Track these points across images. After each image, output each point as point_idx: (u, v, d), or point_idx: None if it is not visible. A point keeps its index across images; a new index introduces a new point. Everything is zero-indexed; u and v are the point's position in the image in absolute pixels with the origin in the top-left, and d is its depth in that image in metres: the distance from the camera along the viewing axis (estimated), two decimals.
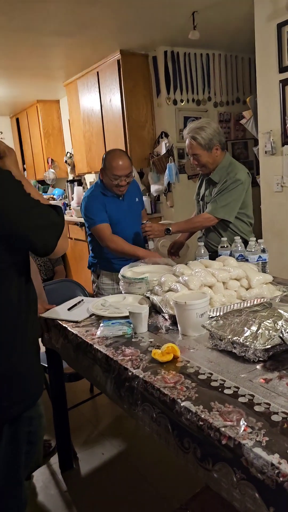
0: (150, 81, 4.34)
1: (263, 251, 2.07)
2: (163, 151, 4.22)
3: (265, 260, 2.06)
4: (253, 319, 1.33)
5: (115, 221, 2.44)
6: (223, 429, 0.95)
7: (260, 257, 2.04)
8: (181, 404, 1.07)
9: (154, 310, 1.76)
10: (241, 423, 0.96)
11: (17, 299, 1.23)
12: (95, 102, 4.69)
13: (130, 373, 1.27)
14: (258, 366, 1.22)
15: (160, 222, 2.40)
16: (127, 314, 1.67)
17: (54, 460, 2.16)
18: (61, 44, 3.82)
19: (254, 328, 1.29)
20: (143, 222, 2.45)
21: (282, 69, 3.01)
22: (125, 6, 3.08)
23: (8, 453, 1.26)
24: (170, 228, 2.37)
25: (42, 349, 2.05)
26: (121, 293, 2.03)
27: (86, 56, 4.25)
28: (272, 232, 3.34)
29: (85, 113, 4.94)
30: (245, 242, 2.18)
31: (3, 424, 1.24)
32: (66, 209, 5.46)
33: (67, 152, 6.05)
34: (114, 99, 4.37)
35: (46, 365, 2.08)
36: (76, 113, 5.25)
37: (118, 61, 4.17)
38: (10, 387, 1.22)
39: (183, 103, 4.32)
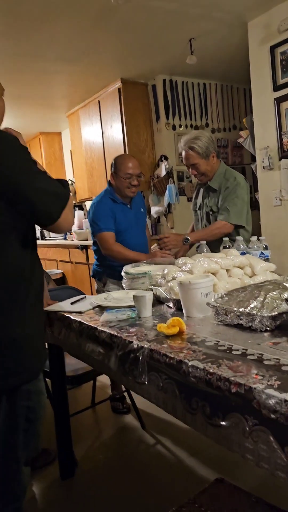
0: (150, 108, 4.51)
1: (265, 248, 2.08)
2: (163, 173, 4.32)
3: (267, 256, 2.06)
4: (259, 292, 1.32)
5: (123, 229, 2.44)
6: (232, 378, 0.92)
7: (262, 253, 2.05)
8: (189, 364, 1.04)
9: (158, 301, 1.75)
10: (252, 372, 0.94)
11: (18, 265, 1.22)
12: (97, 130, 4.85)
13: (135, 345, 1.25)
14: (265, 334, 1.20)
15: (174, 233, 2.39)
16: (130, 303, 1.66)
17: (55, 468, 2.06)
18: (65, 71, 4.00)
19: (260, 299, 1.28)
20: (160, 238, 2.43)
21: (276, 88, 3.15)
22: (125, 31, 3.25)
23: (6, 428, 1.21)
24: (189, 238, 2.35)
25: None
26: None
27: (88, 84, 4.44)
28: (272, 246, 3.33)
29: (87, 141, 5.09)
30: None
31: (1, 396, 1.20)
32: (66, 234, 5.51)
33: (69, 179, 6.18)
34: (115, 125, 4.52)
35: (48, 370, 2.04)
36: (78, 141, 5.41)
37: (119, 89, 4.36)
38: (8, 356, 1.19)
39: (182, 128, 4.47)
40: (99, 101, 4.74)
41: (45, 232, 6.32)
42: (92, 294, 3.93)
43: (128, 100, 4.39)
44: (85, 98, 4.89)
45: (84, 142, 5.15)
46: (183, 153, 2.41)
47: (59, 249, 5.42)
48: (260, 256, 2.03)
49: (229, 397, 0.92)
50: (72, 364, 2.20)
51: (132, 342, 1.27)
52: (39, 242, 6.08)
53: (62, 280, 5.25)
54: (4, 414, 1.19)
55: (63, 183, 1.30)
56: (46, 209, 1.22)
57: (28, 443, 1.29)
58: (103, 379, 2.70)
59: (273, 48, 3.11)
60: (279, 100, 3.13)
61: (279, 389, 0.85)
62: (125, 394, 2.56)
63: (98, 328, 1.46)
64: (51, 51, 3.48)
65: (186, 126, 4.51)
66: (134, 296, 1.55)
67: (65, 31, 3.14)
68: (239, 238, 2.16)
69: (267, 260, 2.06)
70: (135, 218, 2.56)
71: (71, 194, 1.33)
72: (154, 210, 4.50)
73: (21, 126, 5.86)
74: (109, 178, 2.53)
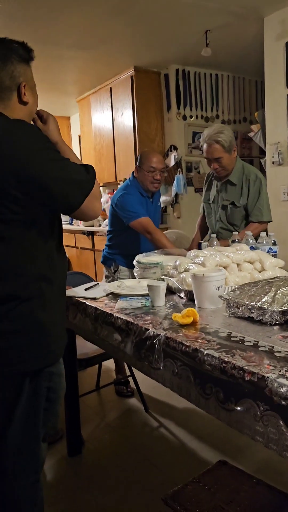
0: (161, 97, 4.53)
1: (274, 243, 2.14)
2: (172, 162, 4.35)
3: (275, 252, 2.13)
4: (270, 287, 1.39)
5: None
6: (246, 367, 1.00)
7: (270, 249, 2.11)
8: (205, 352, 1.12)
9: (169, 291, 1.82)
10: (264, 362, 1.01)
11: (40, 264, 1.24)
12: (107, 117, 4.87)
13: (151, 333, 1.32)
14: (275, 328, 1.28)
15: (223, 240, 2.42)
16: (144, 292, 1.73)
17: (63, 446, 2.16)
18: (79, 58, 4.01)
19: (271, 294, 1.35)
20: None
21: None
22: (142, 22, 3.27)
23: (29, 407, 1.28)
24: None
25: None
26: None
27: (100, 71, 4.45)
28: (279, 241, 3.40)
29: (97, 127, 5.11)
30: None
31: (25, 378, 1.26)
32: (73, 220, 5.56)
33: None
34: (126, 113, 4.54)
35: None
36: (87, 127, 5.43)
37: (132, 77, 4.37)
38: (32, 340, 1.25)
39: (192, 118, 4.49)
40: (110, 88, 4.75)
41: None
42: (97, 280, 4.02)
43: (140, 88, 4.41)
44: (97, 84, 4.90)
45: (94, 128, 5.17)
46: (205, 146, 2.41)
47: (65, 233, 5.45)
48: (268, 252, 2.10)
49: (242, 384, 0.99)
50: (81, 347, 2.28)
51: (148, 329, 1.34)
52: None
53: (67, 265, 5.32)
54: (28, 394, 1.27)
55: (88, 169, 1.27)
56: (65, 198, 1.20)
57: (47, 421, 1.37)
58: (108, 364, 2.79)
59: None
60: None
61: None
62: (130, 378, 2.66)
63: (114, 314, 1.53)
64: (67, 38, 3.49)
65: (197, 117, 4.53)
66: (148, 286, 1.62)
67: (82, 19, 3.15)
68: (249, 233, 2.23)
69: (275, 255, 2.13)
70: (154, 211, 2.65)
71: (97, 180, 1.30)
72: (161, 199, 4.53)
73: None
74: (133, 170, 2.62)
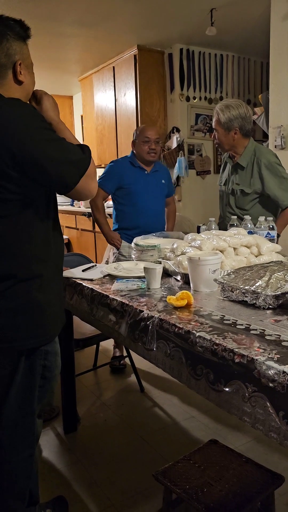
0: (165, 78, 4.46)
1: (272, 228, 2.14)
2: (174, 145, 4.32)
3: (273, 237, 2.13)
4: (265, 272, 1.40)
5: (135, 191, 2.61)
6: (237, 349, 1.02)
7: (268, 233, 2.11)
8: (196, 334, 1.13)
9: (166, 274, 1.83)
10: (254, 345, 1.03)
11: (36, 242, 1.25)
12: (110, 96, 4.80)
13: (146, 314, 1.34)
14: (268, 312, 1.29)
15: None
16: (140, 274, 1.75)
17: (59, 423, 2.21)
18: (81, 35, 3.94)
19: (265, 278, 1.36)
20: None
21: None
22: (146, 0, 3.19)
23: (24, 384, 1.31)
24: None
25: None
26: None
27: (103, 50, 4.37)
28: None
29: (99, 106, 5.05)
30: None
31: (20, 356, 1.29)
32: (74, 201, 5.55)
33: None
34: (128, 93, 4.48)
35: None
36: (89, 107, 5.37)
37: (135, 56, 4.29)
38: (28, 319, 1.27)
39: (196, 100, 4.43)
40: (113, 67, 4.67)
41: None
42: (96, 262, 4.04)
43: (143, 68, 4.33)
44: (99, 63, 4.82)
45: (96, 108, 5.11)
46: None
47: (66, 215, 5.47)
48: (266, 236, 2.10)
49: (232, 366, 1.01)
50: (79, 328, 2.31)
51: (142, 311, 1.36)
52: None
53: (67, 246, 5.33)
54: (23, 372, 1.29)
55: (84, 149, 1.26)
56: (60, 178, 1.19)
57: (43, 398, 1.40)
58: (105, 344, 2.83)
59: None
60: None
61: (279, 361, 0.94)
62: (127, 360, 2.70)
63: (110, 296, 1.55)
64: (69, 14, 3.42)
65: (200, 98, 4.47)
66: (145, 268, 1.63)
67: None
68: (247, 217, 2.22)
69: (272, 240, 2.13)
70: (151, 184, 2.70)
71: (93, 160, 1.29)
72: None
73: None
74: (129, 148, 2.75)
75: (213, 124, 2.41)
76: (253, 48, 4.41)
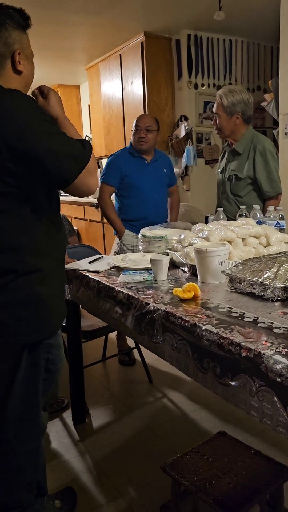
0: (172, 65, 4.38)
1: (282, 218, 2.10)
2: (182, 133, 4.26)
3: (283, 226, 2.09)
4: (273, 263, 1.37)
5: (137, 182, 2.59)
6: (243, 343, 1.00)
7: (278, 223, 2.07)
8: (203, 327, 1.11)
9: (173, 265, 1.81)
10: (261, 338, 1.01)
11: (38, 238, 1.24)
12: (117, 85, 4.74)
13: (152, 307, 1.32)
14: (276, 304, 1.27)
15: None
16: (147, 266, 1.73)
17: (68, 414, 2.22)
18: (86, 23, 3.88)
19: (274, 270, 1.33)
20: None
21: None
22: None
23: (28, 378, 1.31)
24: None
25: None
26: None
27: (109, 38, 4.31)
28: (285, 213, 3.37)
29: (106, 95, 5.00)
30: None
31: (24, 349, 1.28)
32: None
33: (86, 136, 6.12)
34: (135, 81, 4.42)
35: (64, 324, 2.15)
36: (96, 96, 5.31)
37: (142, 43, 4.22)
38: (31, 313, 1.26)
39: (204, 87, 4.35)
40: (120, 55, 4.60)
41: None
42: (105, 253, 4.04)
43: (150, 55, 4.26)
44: (106, 51, 4.75)
45: (103, 97, 5.06)
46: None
47: (74, 206, 5.46)
48: (276, 226, 2.06)
49: (239, 360, 0.99)
50: (87, 319, 2.30)
51: (149, 303, 1.34)
52: None
53: (76, 237, 5.32)
54: (27, 365, 1.29)
55: (84, 144, 1.24)
56: (59, 172, 1.17)
57: (47, 390, 1.40)
58: (114, 335, 2.83)
59: None
60: None
61: (287, 356, 0.92)
62: (135, 350, 2.69)
63: (116, 288, 1.53)
64: (74, 2, 3.36)
65: (209, 86, 4.39)
66: (151, 260, 1.61)
67: None
68: (256, 206, 2.18)
69: (282, 230, 2.09)
70: (152, 174, 2.68)
71: (93, 156, 1.27)
72: None
73: (39, 77, 5.66)
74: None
75: (215, 108, 2.39)
76: (263, 33, 4.31)
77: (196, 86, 4.31)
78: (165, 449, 1.92)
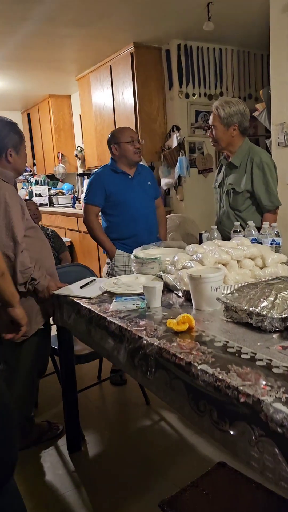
0: (163, 75, 4.35)
1: (277, 235, 2.05)
2: (174, 144, 4.22)
3: (279, 244, 2.04)
4: (270, 290, 1.32)
5: (122, 199, 2.53)
6: (241, 387, 0.94)
7: (273, 240, 2.02)
8: (198, 367, 1.06)
9: (167, 289, 1.75)
10: (260, 381, 0.95)
11: None
12: (108, 95, 4.70)
13: (145, 341, 1.26)
14: (274, 336, 1.21)
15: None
16: (140, 291, 1.67)
17: (62, 442, 2.15)
18: (76, 35, 3.84)
19: (271, 298, 1.28)
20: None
21: None
22: None
23: None
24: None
25: (53, 331, 2.07)
26: (133, 273, 2.02)
27: (100, 48, 4.27)
28: (283, 223, 3.31)
29: (97, 106, 4.95)
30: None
31: None
32: (75, 203, 5.48)
33: (78, 146, 6.08)
34: (126, 92, 4.38)
35: (57, 347, 2.09)
36: (88, 106, 5.27)
37: (132, 53, 4.19)
38: None
39: (195, 97, 4.32)
40: (110, 66, 4.57)
41: (53, 199, 6.29)
42: (100, 265, 3.96)
43: (140, 66, 4.22)
44: (96, 61, 4.72)
45: (94, 107, 5.01)
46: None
47: (68, 217, 5.40)
48: (271, 244, 2.02)
49: (237, 405, 0.93)
50: (81, 343, 2.24)
51: (142, 337, 1.28)
52: (47, 208, 6.05)
53: (70, 249, 5.26)
54: None
55: None
56: None
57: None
58: None
59: None
60: None
61: (287, 403, 0.86)
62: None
63: (108, 318, 1.47)
64: (62, 15, 3.33)
65: (200, 95, 4.36)
66: (144, 287, 1.55)
67: None
68: (251, 223, 2.14)
69: (278, 247, 2.05)
70: (138, 189, 2.62)
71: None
72: (164, 182, 4.43)
73: (30, 88, 5.71)
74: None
75: (211, 120, 2.36)
76: (253, 41, 4.29)
77: (187, 96, 4.28)
78: (163, 481, 1.85)
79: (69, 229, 5.44)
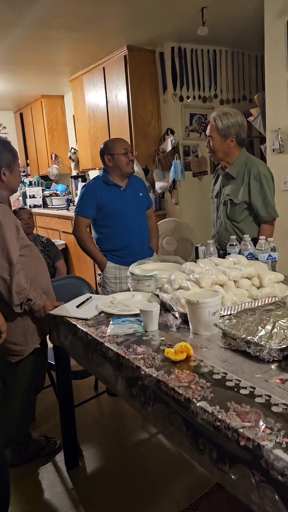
0: (157, 77, 4.31)
1: (273, 249, 2.05)
2: (169, 148, 4.19)
3: (275, 258, 2.04)
4: (268, 318, 1.32)
5: (115, 210, 2.52)
6: (241, 430, 0.93)
7: (270, 255, 2.03)
8: (197, 404, 1.05)
9: (164, 308, 1.74)
10: (260, 423, 0.95)
11: None
12: (101, 98, 4.66)
13: (143, 372, 1.26)
14: (273, 366, 1.21)
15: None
16: (137, 311, 1.66)
17: (60, 457, 2.15)
18: (68, 39, 3.79)
19: (268, 327, 1.28)
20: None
21: None
22: (134, 1, 3.05)
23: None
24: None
25: (50, 346, 2.05)
26: (128, 289, 2.02)
27: (92, 51, 4.22)
28: (279, 231, 3.30)
29: (91, 108, 4.91)
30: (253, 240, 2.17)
31: None
32: (69, 205, 5.44)
33: (71, 148, 6.02)
34: (120, 95, 4.34)
35: (54, 363, 2.08)
36: (81, 108, 5.22)
37: (125, 56, 4.14)
38: None
39: (189, 99, 4.29)
40: (103, 68, 4.51)
41: (47, 200, 6.25)
42: (94, 269, 3.94)
43: (134, 68, 4.18)
44: (89, 63, 4.66)
45: (88, 110, 4.96)
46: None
47: (62, 220, 5.36)
48: (268, 259, 2.02)
49: (237, 448, 0.93)
50: None
51: (140, 367, 1.28)
52: (41, 210, 6.01)
53: (65, 251, 5.23)
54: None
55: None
56: None
57: None
58: None
59: None
60: None
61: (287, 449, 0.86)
62: None
63: (105, 344, 1.46)
64: (54, 20, 3.28)
65: (194, 98, 4.32)
66: (141, 310, 1.54)
67: (69, 1, 2.94)
68: (247, 237, 2.13)
69: (275, 262, 2.05)
70: (130, 200, 2.61)
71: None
72: (158, 185, 4.41)
73: (22, 89, 5.64)
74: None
75: (208, 131, 2.34)
76: (247, 42, 4.25)
77: (181, 99, 4.24)
78: (164, 498, 1.84)
79: (63, 232, 5.40)
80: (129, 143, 2.65)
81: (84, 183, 5.45)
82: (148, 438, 2.28)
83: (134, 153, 2.62)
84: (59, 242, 5.36)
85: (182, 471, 2.01)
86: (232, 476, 0.94)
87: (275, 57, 3.10)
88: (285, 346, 1.21)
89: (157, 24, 3.60)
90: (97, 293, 2.76)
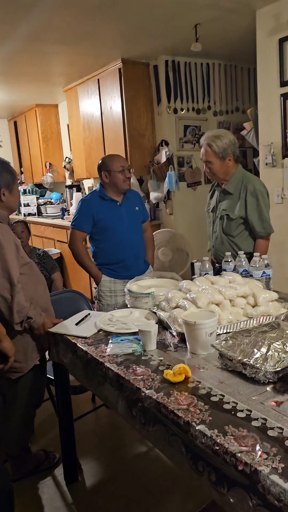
0: (151, 90, 4.37)
1: (267, 266, 2.10)
2: (163, 159, 4.25)
3: (269, 275, 2.10)
4: (263, 340, 1.36)
5: (111, 225, 2.56)
6: (239, 454, 0.98)
7: (264, 272, 2.08)
8: (196, 428, 1.09)
9: (161, 326, 1.79)
10: (257, 448, 0.99)
11: None
12: (95, 109, 4.71)
13: (143, 394, 1.30)
14: (268, 388, 1.26)
15: None
16: (135, 330, 1.70)
17: (59, 471, 2.18)
18: (63, 52, 3.84)
19: (263, 349, 1.33)
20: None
21: (283, 83, 3.06)
22: (128, 18, 3.10)
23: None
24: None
25: (49, 362, 2.09)
26: (123, 302, 2.06)
27: (87, 63, 4.27)
28: (272, 244, 3.36)
29: (85, 119, 4.95)
30: (249, 254, 2.23)
31: None
32: (64, 214, 5.47)
33: (66, 157, 6.06)
34: (114, 106, 4.39)
35: (53, 378, 2.11)
36: (75, 118, 5.27)
37: (120, 69, 4.20)
38: None
39: (183, 111, 4.35)
40: (98, 80, 4.57)
41: (42, 208, 6.27)
42: (90, 281, 3.96)
43: (128, 81, 4.23)
44: (84, 75, 4.71)
45: (83, 120, 5.01)
46: (202, 148, 2.42)
47: (57, 229, 5.39)
48: (262, 276, 2.07)
49: (235, 472, 0.98)
50: None
51: (140, 389, 1.32)
52: (36, 219, 6.04)
53: (60, 261, 5.26)
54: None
55: None
56: None
57: None
58: None
59: (282, 42, 2.99)
60: (285, 97, 3.05)
61: (283, 476, 0.90)
62: None
63: (105, 364, 1.50)
64: (49, 35, 3.32)
65: (188, 110, 4.39)
66: (140, 330, 1.58)
67: (64, 17, 2.99)
68: (241, 253, 2.18)
69: (269, 278, 2.10)
70: (126, 215, 2.65)
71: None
72: (153, 196, 4.46)
73: (17, 98, 5.67)
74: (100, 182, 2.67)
75: (205, 157, 2.38)
76: (240, 55, 4.33)
77: (175, 111, 4.31)
78: (161, 511, 1.89)
79: (58, 241, 5.43)
80: (126, 160, 2.66)
81: (79, 192, 5.54)
82: (146, 451, 2.31)
83: (131, 171, 2.66)
84: (54, 251, 5.39)
85: (181, 484, 2.05)
86: (231, 499, 0.99)
87: (267, 74, 3.17)
88: (280, 368, 1.26)
89: (151, 40, 3.66)
90: (93, 303, 2.81)
